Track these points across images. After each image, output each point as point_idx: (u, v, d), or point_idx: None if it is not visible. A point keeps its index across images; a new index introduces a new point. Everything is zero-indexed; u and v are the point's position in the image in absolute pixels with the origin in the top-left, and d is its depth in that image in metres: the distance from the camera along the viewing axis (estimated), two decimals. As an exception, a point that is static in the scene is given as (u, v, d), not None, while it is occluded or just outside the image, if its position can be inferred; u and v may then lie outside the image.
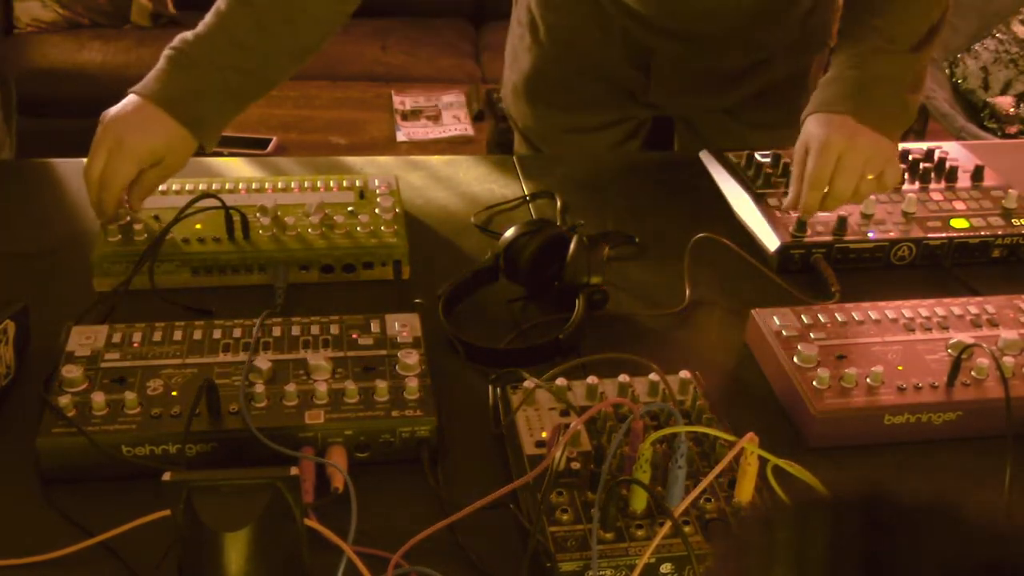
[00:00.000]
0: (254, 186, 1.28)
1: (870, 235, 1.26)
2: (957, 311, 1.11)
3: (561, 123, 1.58)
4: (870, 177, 1.19)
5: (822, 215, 1.25)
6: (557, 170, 1.46)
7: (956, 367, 1.01)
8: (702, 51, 1.44)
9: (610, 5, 1.42)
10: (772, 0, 1.40)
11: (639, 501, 0.85)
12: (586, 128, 1.57)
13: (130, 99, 1.16)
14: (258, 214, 1.22)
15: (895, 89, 1.22)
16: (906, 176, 1.36)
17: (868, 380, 1.00)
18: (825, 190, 1.19)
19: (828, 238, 1.24)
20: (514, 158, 1.51)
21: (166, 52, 1.18)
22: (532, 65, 1.55)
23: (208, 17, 1.18)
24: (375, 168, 1.47)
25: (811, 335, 1.06)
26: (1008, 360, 1.02)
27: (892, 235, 1.26)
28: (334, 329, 1.04)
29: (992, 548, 0.39)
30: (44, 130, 3.22)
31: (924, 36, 1.25)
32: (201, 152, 1.20)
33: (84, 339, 1.01)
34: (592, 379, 0.98)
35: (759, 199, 1.31)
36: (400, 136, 3.04)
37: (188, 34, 1.18)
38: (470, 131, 3.07)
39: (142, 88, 1.16)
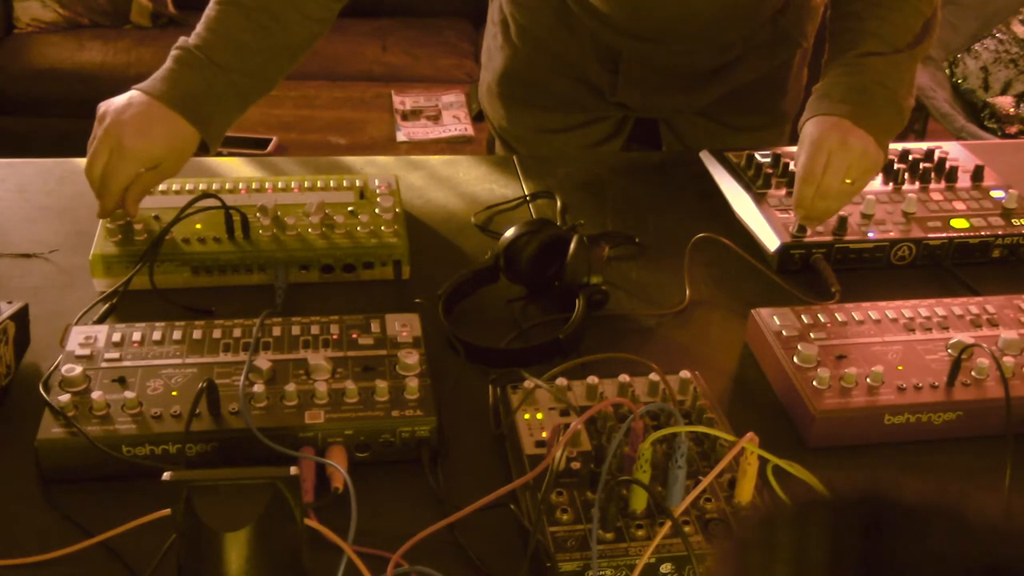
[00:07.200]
0: (254, 186, 1.28)
1: (870, 235, 1.26)
2: (957, 311, 1.11)
3: (534, 123, 1.56)
4: (848, 182, 1.17)
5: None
6: (557, 170, 1.46)
7: (956, 367, 1.01)
8: (670, 52, 1.42)
9: (576, 5, 1.40)
10: (738, 4, 1.37)
11: (639, 501, 0.85)
12: (559, 128, 1.55)
13: (135, 97, 1.15)
14: (258, 214, 1.22)
15: (891, 94, 1.21)
16: (906, 176, 1.36)
17: (868, 380, 1.00)
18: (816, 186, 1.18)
19: (828, 238, 1.24)
20: (514, 158, 1.50)
21: (173, 53, 1.17)
22: (504, 65, 1.54)
23: (203, 22, 1.18)
24: (375, 168, 1.47)
25: (811, 335, 1.06)
26: (1008, 360, 1.02)
27: (892, 235, 1.26)
28: (334, 329, 1.04)
29: (992, 548, 0.39)
30: (44, 130, 3.23)
31: (919, 33, 1.24)
32: (201, 152, 1.20)
33: (84, 339, 1.01)
34: (592, 379, 0.98)
35: (759, 199, 1.31)
36: (400, 136, 3.04)
37: (189, 37, 1.17)
38: (470, 131, 3.07)
39: (150, 88, 1.15)
